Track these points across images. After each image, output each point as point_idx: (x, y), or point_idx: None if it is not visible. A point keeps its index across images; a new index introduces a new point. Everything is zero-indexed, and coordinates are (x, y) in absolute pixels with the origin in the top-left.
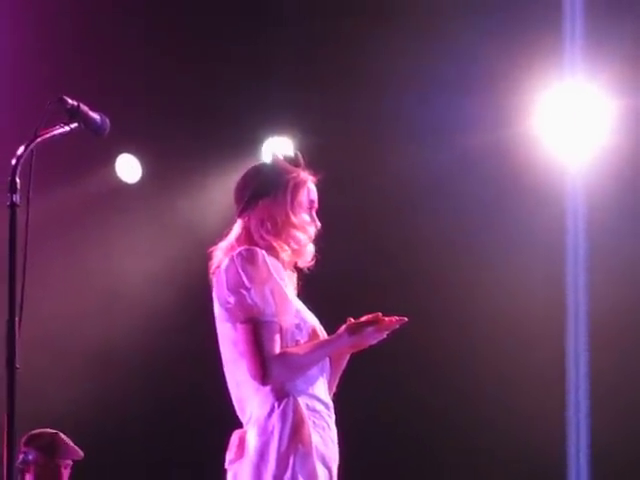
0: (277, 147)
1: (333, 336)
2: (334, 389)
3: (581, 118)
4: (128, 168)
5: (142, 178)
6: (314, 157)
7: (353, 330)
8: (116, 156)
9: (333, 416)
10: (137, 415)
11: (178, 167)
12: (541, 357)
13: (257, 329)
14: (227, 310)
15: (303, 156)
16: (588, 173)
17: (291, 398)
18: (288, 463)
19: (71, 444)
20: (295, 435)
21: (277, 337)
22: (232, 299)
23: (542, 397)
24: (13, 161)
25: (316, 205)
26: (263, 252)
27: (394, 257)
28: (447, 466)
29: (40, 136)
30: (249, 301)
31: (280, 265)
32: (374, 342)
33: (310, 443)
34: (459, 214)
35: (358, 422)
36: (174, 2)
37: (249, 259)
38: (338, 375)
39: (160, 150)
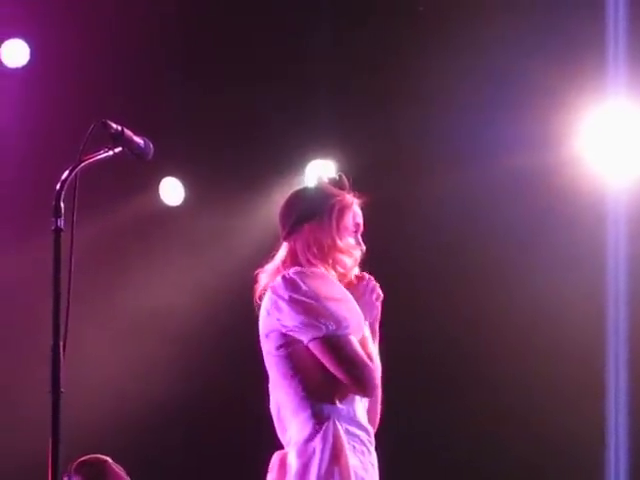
0: (320, 170)
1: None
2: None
3: (624, 138)
4: (171, 191)
5: (185, 201)
6: (357, 179)
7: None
8: (160, 179)
9: (373, 441)
10: (179, 440)
11: (221, 190)
12: (582, 369)
13: (341, 343)
14: (299, 329)
15: (348, 179)
16: (631, 193)
17: (331, 422)
18: None
19: (121, 473)
20: (334, 459)
21: (359, 346)
22: (301, 318)
23: (582, 406)
24: (58, 186)
25: (362, 228)
26: (323, 270)
27: (439, 276)
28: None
29: (84, 160)
30: (326, 315)
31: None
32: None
33: (348, 468)
34: (503, 234)
35: (397, 437)
36: (217, 24)
37: (313, 276)
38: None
39: (203, 173)
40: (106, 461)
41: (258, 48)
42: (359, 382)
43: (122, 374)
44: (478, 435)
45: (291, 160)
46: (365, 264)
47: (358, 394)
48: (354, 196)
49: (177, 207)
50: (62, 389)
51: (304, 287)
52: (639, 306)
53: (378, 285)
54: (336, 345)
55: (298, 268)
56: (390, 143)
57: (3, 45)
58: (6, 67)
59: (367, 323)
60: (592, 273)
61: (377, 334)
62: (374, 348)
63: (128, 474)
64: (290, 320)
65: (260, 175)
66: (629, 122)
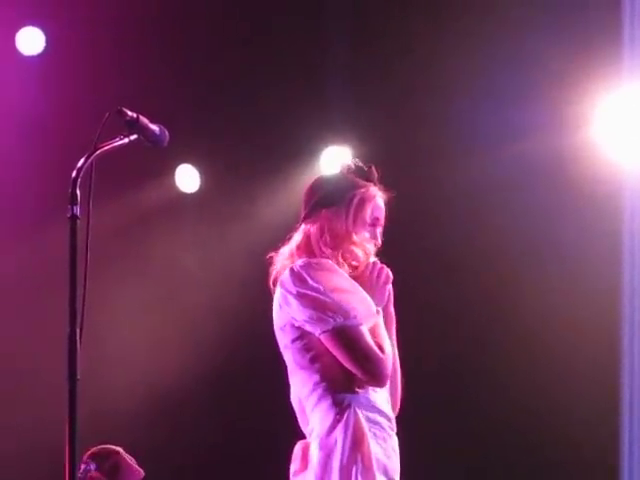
0: (336, 156)
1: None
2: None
3: None
4: (187, 178)
5: (201, 188)
6: (373, 165)
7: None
8: (175, 166)
9: (395, 427)
10: (200, 433)
11: (237, 177)
12: (596, 364)
13: (350, 334)
14: (308, 323)
15: (377, 171)
16: None
17: (352, 411)
18: (350, 476)
19: (133, 464)
20: (356, 448)
21: (369, 336)
22: (309, 312)
23: (596, 405)
24: (73, 173)
25: (382, 222)
26: (330, 262)
27: (453, 265)
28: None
29: (100, 148)
30: (334, 308)
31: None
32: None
33: (371, 456)
34: (518, 221)
35: (421, 429)
36: (233, 16)
37: (319, 268)
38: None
39: (219, 160)
40: (118, 452)
41: (275, 36)
42: (369, 373)
43: (140, 361)
44: (489, 432)
45: (307, 146)
46: (379, 253)
47: (369, 384)
48: (380, 189)
49: (193, 194)
50: (78, 377)
51: (310, 281)
52: None
53: (386, 267)
54: (345, 337)
55: (306, 260)
56: (405, 130)
57: (19, 33)
58: (22, 55)
59: (380, 309)
60: (608, 264)
61: (392, 317)
62: (386, 335)
63: (140, 465)
64: (300, 314)
65: (276, 162)
66: None
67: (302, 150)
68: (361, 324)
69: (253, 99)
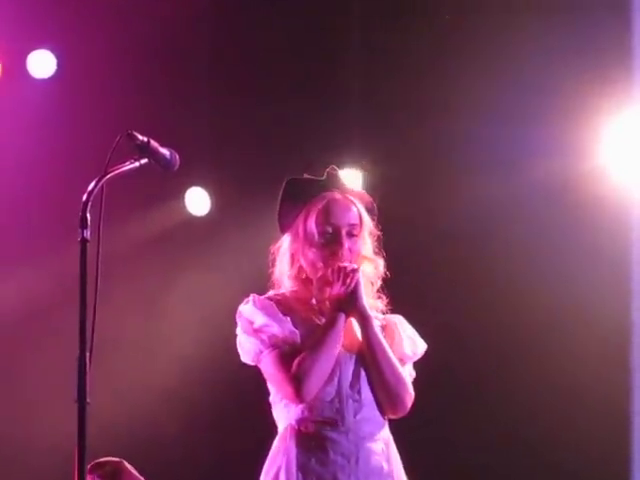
0: (349, 178)
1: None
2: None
3: None
4: (197, 201)
5: (211, 211)
6: (384, 187)
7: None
8: (185, 189)
9: (345, 431)
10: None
11: (247, 200)
12: (607, 375)
13: (264, 365)
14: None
15: (335, 174)
16: None
17: (288, 426)
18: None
19: (135, 473)
20: (284, 460)
21: (283, 361)
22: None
23: (605, 412)
24: (84, 197)
25: (340, 224)
26: (253, 298)
27: (461, 284)
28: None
29: (110, 172)
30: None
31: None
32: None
33: (297, 467)
34: (524, 248)
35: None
36: (244, 33)
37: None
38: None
39: (229, 183)
40: (121, 461)
41: (285, 57)
42: (291, 397)
43: (150, 382)
44: (495, 436)
45: (320, 169)
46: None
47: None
48: (333, 193)
49: (203, 217)
50: (88, 400)
51: (238, 320)
52: None
53: (350, 269)
54: (265, 366)
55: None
56: (412, 152)
57: (30, 56)
58: (33, 78)
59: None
60: (617, 291)
61: (367, 318)
62: (324, 341)
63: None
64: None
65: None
66: None
67: (315, 173)
68: (275, 350)
69: (265, 122)
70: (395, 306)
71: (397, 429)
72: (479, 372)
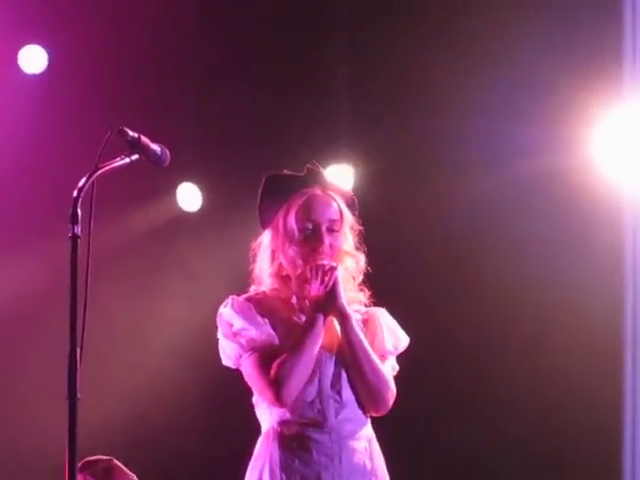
0: (338, 175)
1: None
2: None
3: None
4: (189, 197)
5: (202, 207)
6: (374, 183)
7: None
8: (177, 185)
9: (328, 431)
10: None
11: (239, 196)
12: (599, 372)
13: (244, 369)
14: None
15: (317, 170)
16: None
17: (270, 428)
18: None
19: (126, 470)
20: (268, 460)
21: (262, 364)
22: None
23: (598, 411)
24: (74, 193)
25: (320, 220)
26: (231, 301)
27: (451, 281)
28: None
29: (101, 168)
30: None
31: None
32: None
33: (281, 468)
34: (514, 244)
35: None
36: (233, 29)
37: (219, 314)
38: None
39: (221, 179)
40: (111, 459)
41: (274, 52)
42: (271, 401)
43: (137, 381)
44: (484, 430)
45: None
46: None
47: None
48: (319, 187)
49: (195, 213)
50: (78, 396)
51: (219, 323)
52: None
53: (329, 268)
54: (245, 370)
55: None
56: (400, 149)
57: (21, 51)
58: (24, 73)
59: (340, 308)
60: (608, 283)
61: (347, 317)
62: (303, 342)
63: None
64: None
65: None
66: None
67: (304, 168)
68: (253, 356)
69: (255, 117)
70: (382, 301)
71: (380, 426)
72: (467, 366)
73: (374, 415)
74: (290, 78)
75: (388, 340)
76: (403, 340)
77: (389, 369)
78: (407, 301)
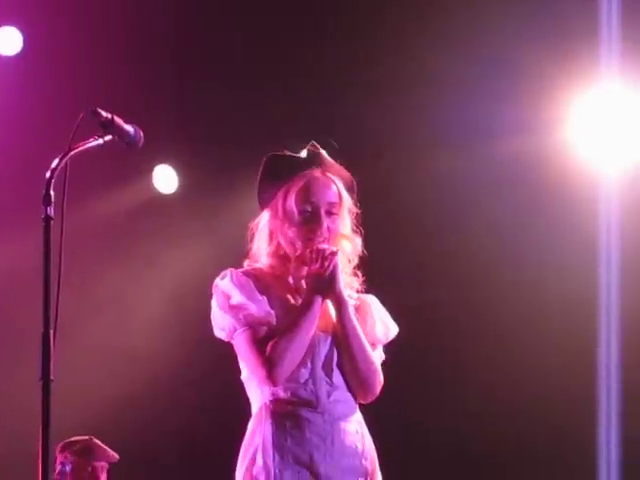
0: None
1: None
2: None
3: (617, 123)
4: (165, 179)
5: (179, 189)
6: (349, 165)
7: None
8: (153, 167)
9: (320, 411)
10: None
11: (216, 178)
12: (574, 357)
13: (237, 344)
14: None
15: (317, 151)
16: (623, 179)
17: (263, 406)
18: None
19: (106, 447)
20: (260, 440)
21: (257, 342)
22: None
23: (574, 397)
24: (47, 174)
25: (319, 203)
26: (230, 273)
27: (428, 263)
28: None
29: (74, 149)
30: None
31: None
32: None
33: (274, 446)
34: (492, 224)
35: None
36: (209, 15)
37: (216, 284)
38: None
39: (197, 161)
40: (90, 438)
41: (258, 36)
42: (263, 379)
43: (116, 360)
44: (472, 426)
45: (286, 145)
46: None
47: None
48: (321, 169)
49: (171, 195)
50: (52, 377)
51: (215, 294)
52: (631, 295)
53: (329, 252)
54: (239, 345)
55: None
56: (380, 129)
57: None
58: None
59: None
60: (584, 266)
61: (344, 303)
62: (299, 324)
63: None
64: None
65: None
66: (622, 107)
67: (282, 149)
68: (248, 331)
69: (231, 98)
70: (368, 287)
71: (368, 412)
72: (451, 352)
73: (361, 402)
74: (266, 62)
75: (379, 329)
76: (392, 329)
77: (377, 357)
78: (389, 286)
